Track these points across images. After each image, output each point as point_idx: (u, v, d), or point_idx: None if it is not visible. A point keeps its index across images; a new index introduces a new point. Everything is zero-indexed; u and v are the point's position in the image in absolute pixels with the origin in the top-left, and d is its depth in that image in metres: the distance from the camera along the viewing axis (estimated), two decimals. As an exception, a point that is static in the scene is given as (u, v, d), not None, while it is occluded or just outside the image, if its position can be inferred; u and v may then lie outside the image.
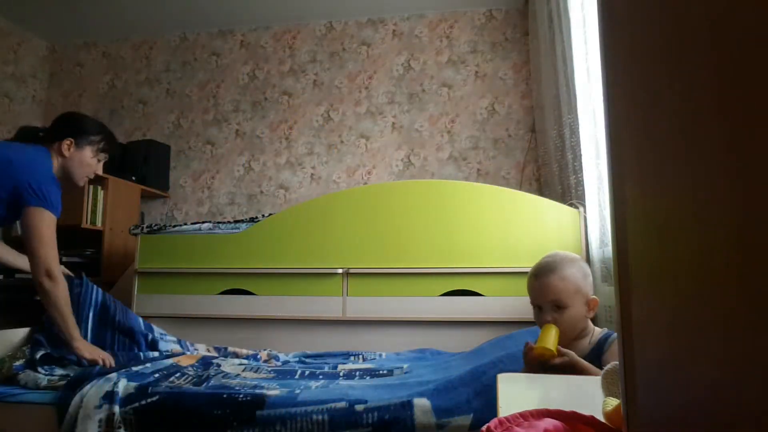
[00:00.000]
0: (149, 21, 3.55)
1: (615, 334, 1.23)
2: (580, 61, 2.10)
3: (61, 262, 2.93)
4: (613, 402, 0.68)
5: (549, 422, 0.65)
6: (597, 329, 1.29)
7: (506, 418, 0.67)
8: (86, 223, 2.90)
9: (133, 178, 3.25)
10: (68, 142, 1.73)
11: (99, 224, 2.98)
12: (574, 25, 2.17)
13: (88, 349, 1.64)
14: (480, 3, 3.30)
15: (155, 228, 2.46)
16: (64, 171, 1.74)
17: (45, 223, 1.58)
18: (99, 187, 3.00)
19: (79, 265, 2.98)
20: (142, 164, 3.30)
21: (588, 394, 0.96)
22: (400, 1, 3.29)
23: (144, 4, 3.35)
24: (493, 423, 0.66)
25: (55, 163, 1.72)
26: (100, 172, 1.82)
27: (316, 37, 3.52)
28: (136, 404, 1.41)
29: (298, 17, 3.50)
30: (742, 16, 0.24)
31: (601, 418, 0.68)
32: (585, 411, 0.69)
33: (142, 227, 2.47)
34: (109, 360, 1.65)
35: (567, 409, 0.69)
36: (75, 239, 3.02)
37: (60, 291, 1.59)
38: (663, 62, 0.33)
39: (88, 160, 1.75)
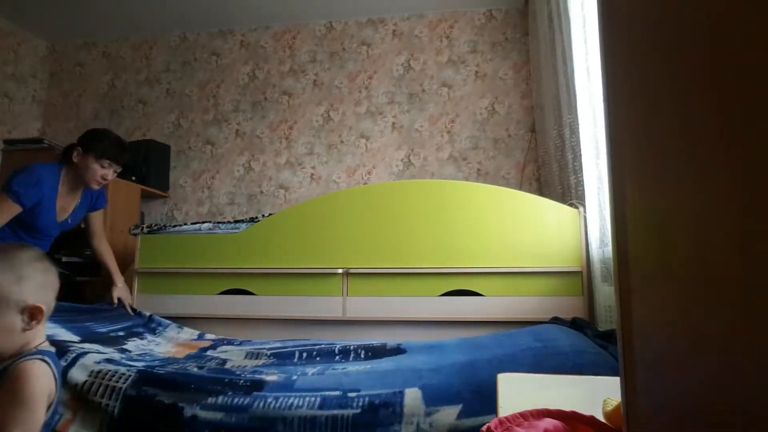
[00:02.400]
0: (149, 21, 3.55)
1: (26, 360, 0.96)
2: (580, 61, 2.10)
3: (62, 262, 2.95)
4: (613, 402, 0.68)
5: (549, 422, 0.65)
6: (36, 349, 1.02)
7: (506, 418, 0.67)
8: (86, 223, 2.90)
9: (133, 178, 3.25)
10: (76, 151, 1.95)
11: (99, 224, 2.98)
12: (574, 25, 2.17)
13: None
14: (480, 3, 3.30)
15: (155, 228, 2.46)
16: (76, 176, 1.98)
17: None
18: (99, 187, 3.01)
19: (79, 265, 2.99)
20: (142, 164, 3.30)
21: (588, 394, 0.96)
22: (400, 1, 3.29)
23: (144, 4, 3.35)
24: (493, 423, 0.66)
25: (69, 172, 1.98)
26: (109, 176, 1.99)
27: (316, 37, 3.52)
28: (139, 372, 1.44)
29: (298, 17, 3.50)
30: (741, 16, 0.24)
31: (601, 418, 0.68)
32: (585, 411, 0.69)
33: (142, 227, 2.47)
34: None
35: (567, 409, 0.69)
36: (75, 239, 3.02)
37: None
38: (663, 62, 0.33)
39: (91, 164, 1.94)
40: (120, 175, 3.16)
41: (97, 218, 2.25)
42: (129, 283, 2.52)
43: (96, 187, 2.00)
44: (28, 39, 3.69)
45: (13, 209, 1.83)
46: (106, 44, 3.79)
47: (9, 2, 3.31)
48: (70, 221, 2.08)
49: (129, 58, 3.74)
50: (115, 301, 2.17)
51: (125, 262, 3.05)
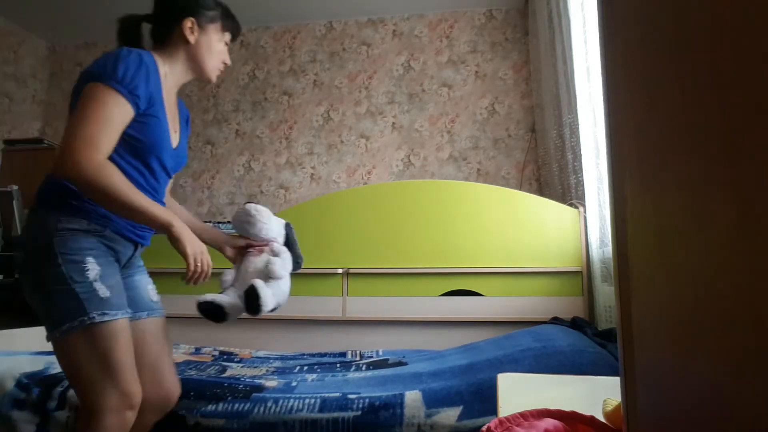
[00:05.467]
0: (149, 21, 3.55)
1: None
2: (580, 61, 2.10)
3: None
4: (613, 402, 0.68)
5: (549, 422, 0.65)
6: None
7: (506, 418, 0.67)
8: (86, 223, 2.90)
9: (133, 178, 3.25)
10: (190, 23, 1.22)
11: (99, 224, 2.98)
12: (574, 25, 2.17)
13: (190, 241, 1.12)
14: (480, 3, 3.30)
15: (155, 228, 2.45)
16: (192, 64, 1.25)
17: (99, 99, 1.04)
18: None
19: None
20: (142, 164, 3.30)
21: (588, 394, 0.96)
22: (400, 1, 3.29)
23: (144, 5, 3.35)
24: (493, 423, 0.66)
25: (174, 59, 1.23)
26: (228, 60, 1.31)
27: (316, 37, 3.52)
28: None
29: (298, 17, 3.50)
30: (742, 16, 0.24)
31: (601, 418, 0.68)
32: (585, 411, 0.69)
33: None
34: (207, 264, 1.14)
35: (567, 409, 0.69)
36: (75, 239, 3.02)
37: (101, 173, 1.00)
38: (663, 62, 0.33)
39: (215, 44, 1.26)
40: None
41: None
42: (129, 283, 2.51)
43: (215, 78, 1.30)
44: (28, 39, 3.69)
45: (124, 110, 1.06)
46: (106, 44, 3.79)
47: (9, 2, 3.31)
48: (179, 150, 1.27)
49: (129, 58, 3.74)
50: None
51: (125, 262, 3.04)
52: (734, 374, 0.25)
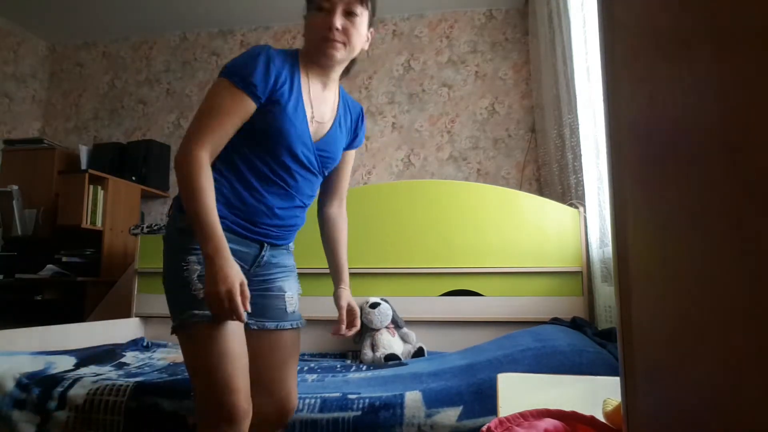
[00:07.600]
0: (149, 21, 3.55)
1: None
2: (580, 61, 2.10)
3: (62, 262, 2.94)
4: (613, 402, 0.68)
5: (549, 422, 0.65)
6: None
7: (506, 418, 0.67)
8: (86, 223, 2.90)
9: (133, 178, 3.25)
10: (304, 15, 1.30)
11: (99, 224, 2.98)
12: (574, 25, 2.17)
13: (213, 280, 0.97)
14: (480, 3, 3.30)
15: (155, 228, 2.46)
16: (311, 55, 1.27)
17: (214, 91, 1.11)
18: (99, 187, 3.00)
19: (79, 265, 2.98)
20: (142, 164, 3.30)
21: (588, 394, 0.96)
22: (400, 1, 3.29)
23: (144, 4, 3.35)
24: (493, 423, 0.66)
25: (307, 52, 1.28)
26: (337, 23, 1.21)
27: (316, 37, 3.52)
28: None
29: (298, 17, 3.48)
30: (742, 16, 0.24)
31: (601, 418, 0.68)
32: (585, 411, 0.69)
33: (142, 227, 2.47)
34: (228, 304, 0.97)
35: (567, 409, 0.69)
36: (75, 239, 3.02)
37: (190, 169, 1.06)
38: (663, 62, 0.33)
39: (309, 22, 1.27)
40: (120, 175, 3.18)
41: (349, 164, 1.41)
42: (129, 284, 2.51)
43: (330, 50, 1.22)
44: (28, 39, 3.69)
45: (242, 103, 1.09)
46: (106, 44, 3.79)
47: (9, 2, 3.31)
48: (328, 142, 1.24)
49: (129, 58, 3.74)
50: (344, 306, 1.36)
51: (125, 262, 3.05)
52: (734, 374, 0.25)
